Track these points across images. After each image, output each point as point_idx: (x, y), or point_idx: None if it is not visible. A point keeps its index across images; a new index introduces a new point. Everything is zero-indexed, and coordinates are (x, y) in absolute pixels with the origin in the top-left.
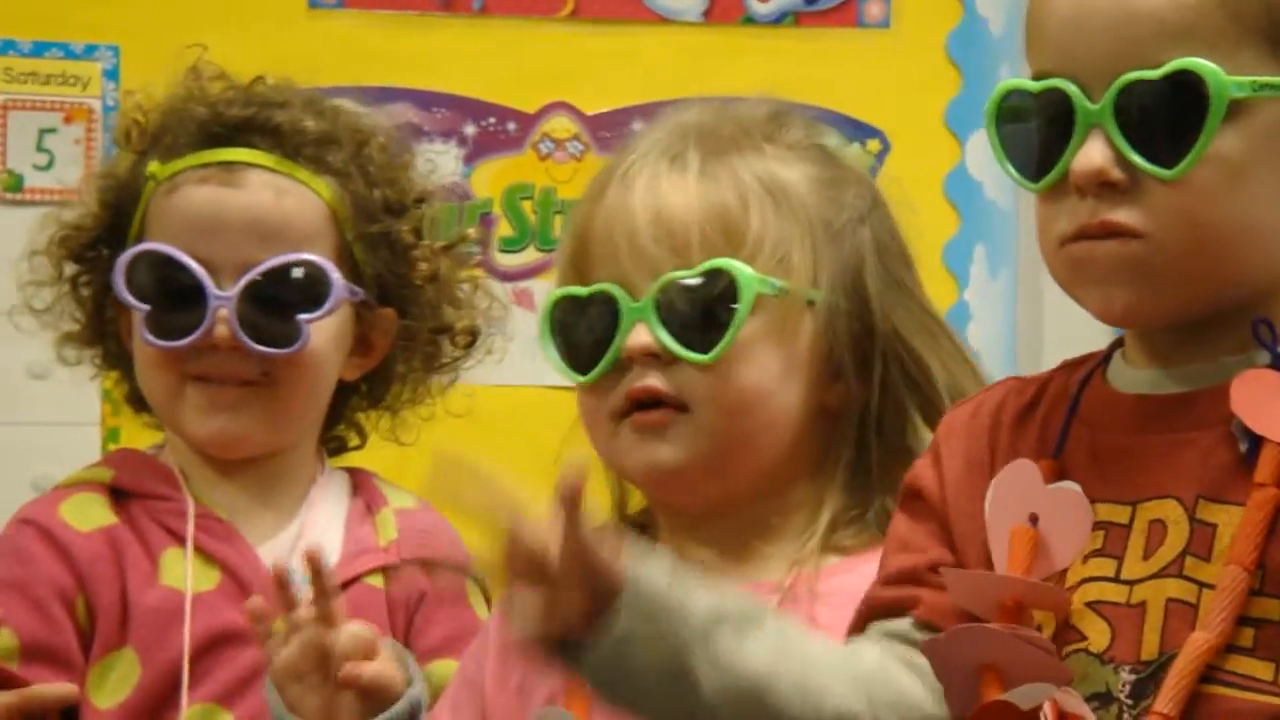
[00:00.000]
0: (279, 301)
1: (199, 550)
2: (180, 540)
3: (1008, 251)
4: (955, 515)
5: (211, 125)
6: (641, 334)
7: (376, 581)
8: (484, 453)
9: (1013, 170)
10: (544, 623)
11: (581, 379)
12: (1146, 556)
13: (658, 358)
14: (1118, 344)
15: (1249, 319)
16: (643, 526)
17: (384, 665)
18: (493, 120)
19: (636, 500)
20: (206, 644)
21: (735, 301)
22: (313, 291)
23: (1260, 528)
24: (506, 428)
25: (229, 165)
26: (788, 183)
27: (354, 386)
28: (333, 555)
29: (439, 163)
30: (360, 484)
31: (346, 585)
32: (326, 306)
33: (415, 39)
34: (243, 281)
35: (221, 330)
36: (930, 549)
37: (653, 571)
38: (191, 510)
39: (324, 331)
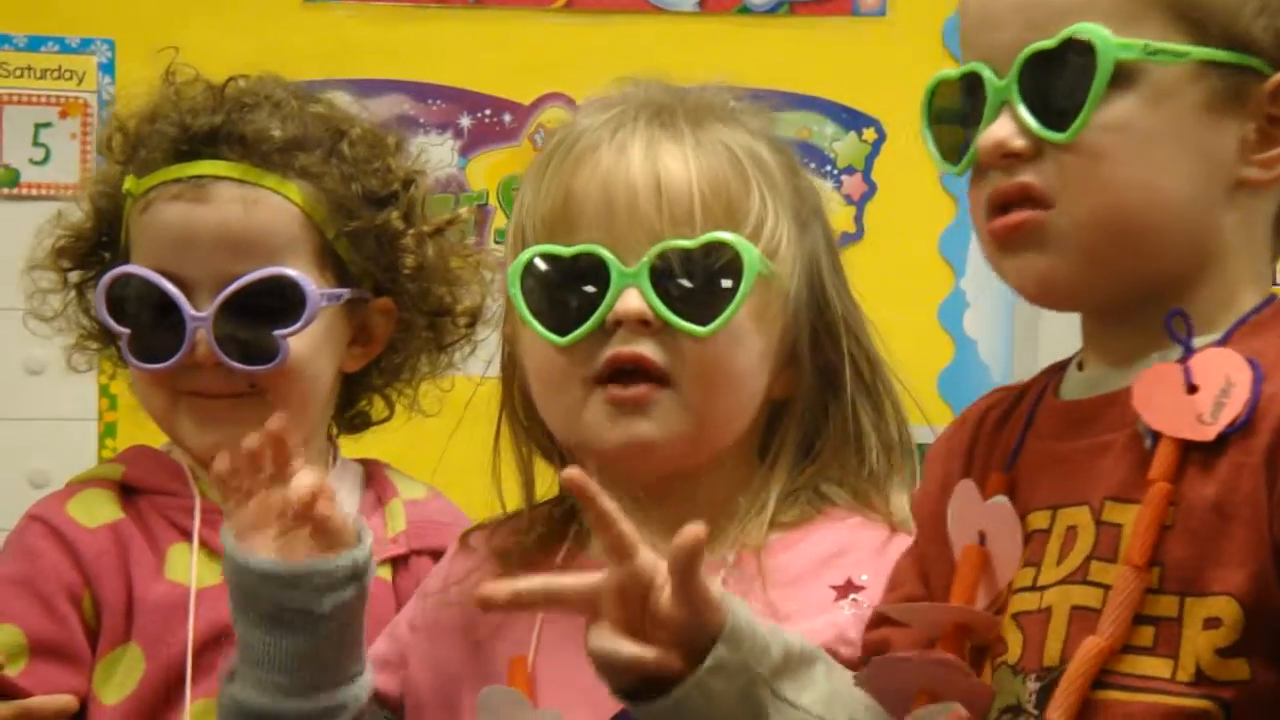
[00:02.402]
0: (255, 318)
1: (205, 545)
2: (187, 536)
3: None
4: (924, 540)
5: (180, 139)
6: (633, 299)
7: (385, 573)
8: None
9: (937, 156)
10: (635, 654)
11: (559, 340)
12: (1059, 563)
13: (647, 325)
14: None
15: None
16: (569, 509)
17: (337, 511)
18: (488, 112)
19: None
20: (211, 639)
21: (738, 277)
22: (288, 305)
23: (1152, 524)
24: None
25: (198, 180)
26: (770, 163)
27: (368, 371)
28: None
29: (434, 155)
30: (372, 475)
31: None
32: (303, 319)
33: (410, 31)
34: (218, 300)
35: (202, 350)
36: (905, 584)
37: (741, 607)
38: (198, 505)
39: (307, 340)
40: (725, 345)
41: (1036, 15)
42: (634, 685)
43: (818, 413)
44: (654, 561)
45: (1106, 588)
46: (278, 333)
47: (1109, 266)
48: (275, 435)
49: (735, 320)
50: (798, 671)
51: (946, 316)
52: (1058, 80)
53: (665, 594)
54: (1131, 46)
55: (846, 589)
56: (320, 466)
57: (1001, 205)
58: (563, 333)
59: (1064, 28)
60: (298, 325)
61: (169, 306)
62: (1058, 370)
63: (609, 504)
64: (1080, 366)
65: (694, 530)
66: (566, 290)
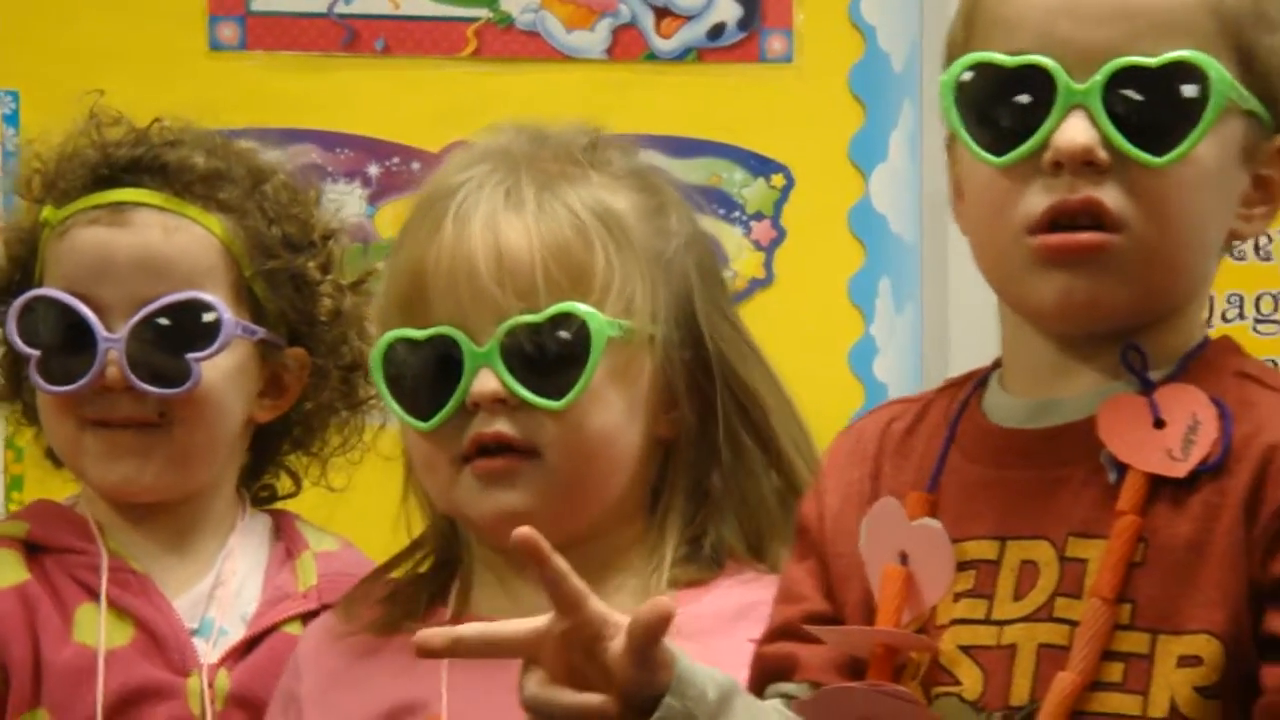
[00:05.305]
0: (168, 341)
1: (113, 605)
2: (94, 595)
3: (913, 285)
4: (831, 553)
5: (100, 167)
6: (488, 380)
7: (295, 629)
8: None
9: (972, 144)
10: (575, 702)
11: (422, 425)
12: (1018, 597)
13: (504, 403)
14: (995, 365)
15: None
16: (443, 569)
17: None
18: (396, 160)
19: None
20: (119, 702)
21: (586, 346)
22: (202, 329)
23: (1121, 557)
24: None
25: (118, 206)
26: (621, 215)
27: (279, 431)
28: (251, 604)
29: (343, 203)
30: (282, 527)
31: (265, 634)
32: (216, 344)
33: (318, 80)
34: (131, 322)
35: (113, 372)
36: (808, 598)
37: (680, 652)
38: (105, 564)
39: (218, 369)
40: (585, 412)
41: (1131, 25)
42: None
43: (705, 450)
44: (602, 612)
45: (1074, 624)
46: (190, 356)
47: (1150, 295)
48: None
49: (592, 386)
50: (725, 713)
51: (856, 362)
52: (1155, 102)
53: (615, 645)
54: (1235, 86)
55: None
56: (230, 518)
57: (1057, 218)
58: (425, 417)
59: (1163, 44)
60: (211, 349)
61: (81, 328)
62: (967, 385)
63: (560, 562)
64: (1001, 385)
65: (665, 604)
66: (425, 374)
